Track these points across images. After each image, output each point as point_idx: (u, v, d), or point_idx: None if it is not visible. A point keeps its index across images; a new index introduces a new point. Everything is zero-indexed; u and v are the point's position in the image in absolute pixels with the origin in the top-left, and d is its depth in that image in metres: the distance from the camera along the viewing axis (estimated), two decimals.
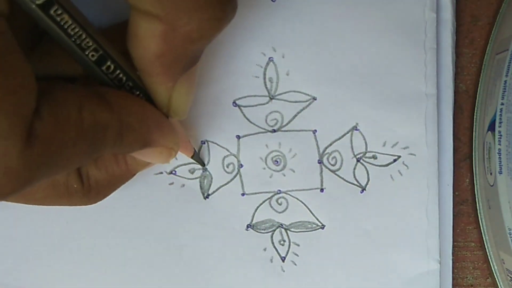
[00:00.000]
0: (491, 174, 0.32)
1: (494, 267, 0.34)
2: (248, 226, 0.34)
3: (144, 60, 0.24)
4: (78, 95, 0.23)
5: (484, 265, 0.35)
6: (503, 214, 0.31)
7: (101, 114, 0.23)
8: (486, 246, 0.34)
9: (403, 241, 0.33)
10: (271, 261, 0.34)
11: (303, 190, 0.34)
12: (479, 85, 0.35)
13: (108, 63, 0.25)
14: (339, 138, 0.34)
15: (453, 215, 0.34)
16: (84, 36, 0.23)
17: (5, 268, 0.34)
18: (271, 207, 0.34)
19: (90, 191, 0.28)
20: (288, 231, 0.34)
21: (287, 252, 0.34)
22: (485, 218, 0.34)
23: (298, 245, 0.34)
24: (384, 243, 0.34)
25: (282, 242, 0.34)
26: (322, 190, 0.34)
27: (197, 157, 0.33)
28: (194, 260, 0.34)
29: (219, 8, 0.23)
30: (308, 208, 0.34)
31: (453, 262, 0.34)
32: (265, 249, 0.34)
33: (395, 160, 0.34)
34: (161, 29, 0.23)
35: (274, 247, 0.34)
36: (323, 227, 0.34)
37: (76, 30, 0.23)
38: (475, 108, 0.35)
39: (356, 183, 0.34)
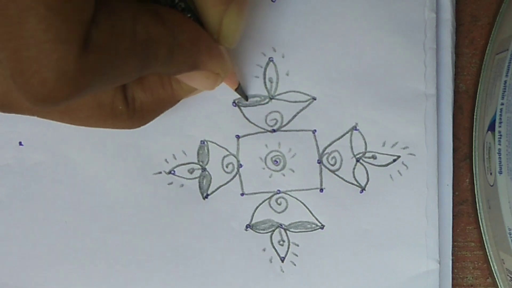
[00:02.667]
0: (491, 174, 0.32)
1: (494, 267, 0.34)
2: (248, 226, 0.34)
3: None
4: (133, 8, 0.22)
5: (484, 265, 0.35)
6: (503, 214, 0.31)
7: (155, 29, 0.23)
8: (486, 246, 0.34)
9: (403, 241, 0.33)
10: (271, 261, 0.34)
11: (303, 190, 0.34)
12: (479, 85, 0.35)
13: None
14: (339, 138, 0.34)
15: (453, 215, 0.34)
16: None
17: (5, 268, 0.34)
18: (271, 207, 0.34)
19: (135, 113, 0.28)
20: (288, 231, 0.34)
21: (287, 252, 0.34)
22: (485, 218, 0.34)
23: (298, 245, 0.34)
24: (384, 243, 0.34)
25: (281, 242, 0.34)
26: (321, 190, 0.34)
27: (241, 90, 0.33)
28: (193, 260, 0.34)
29: None
30: (308, 208, 0.34)
31: (453, 262, 0.34)
32: (264, 249, 0.34)
33: (394, 160, 0.34)
34: None
35: (274, 247, 0.34)
36: (322, 227, 0.34)
37: None
38: (475, 108, 0.35)
39: (355, 183, 0.34)
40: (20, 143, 0.34)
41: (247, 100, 0.33)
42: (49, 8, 0.19)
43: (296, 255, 0.34)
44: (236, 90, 0.32)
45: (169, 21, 0.24)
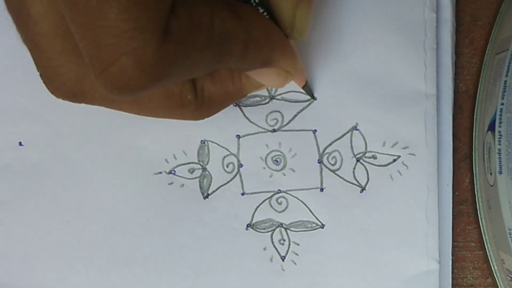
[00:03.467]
0: (491, 174, 0.32)
1: (494, 267, 0.34)
2: (248, 225, 0.34)
3: None
4: (211, 1, 0.22)
5: (484, 265, 0.35)
6: (503, 214, 0.31)
7: (231, 24, 0.23)
8: (486, 246, 0.34)
9: (403, 241, 0.33)
10: (271, 260, 0.34)
11: (303, 189, 0.34)
12: (479, 85, 0.35)
13: None
14: (339, 138, 0.34)
15: (453, 215, 0.34)
16: None
17: (5, 268, 0.34)
18: (271, 206, 0.34)
19: (203, 104, 0.28)
20: (288, 231, 0.34)
21: (287, 252, 0.34)
22: (485, 218, 0.34)
23: (298, 245, 0.34)
24: (384, 243, 0.34)
25: (282, 242, 0.34)
26: (322, 189, 0.34)
27: (308, 88, 0.33)
28: (194, 259, 0.34)
29: None
30: (308, 208, 0.34)
31: (453, 262, 0.34)
32: (265, 249, 0.34)
33: (394, 160, 0.34)
34: None
35: (274, 246, 0.34)
36: (322, 226, 0.34)
37: None
38: (475, 108, 0.35)
39: (355, 183, 0.34)
40: (20, 143, 0.34)
41: (314, 99, 0.33)
42: None
43: (297, 254, 0.34)
44: (303, 87, 0.32)
45: (245, 17, 0.24)
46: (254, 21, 0.25)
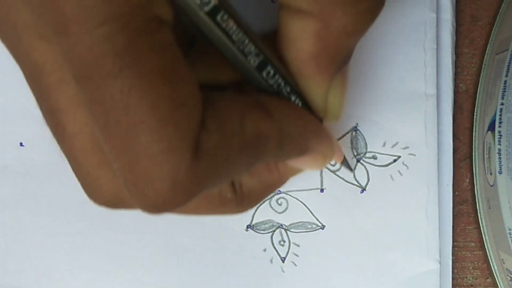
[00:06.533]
0: (491, 174, 0.32)
1: (494, 267, 0.34)
2: (248, 226, 0.34)
3: (299, 62, 0.23)
4: (240, 105, 0.22)
5: (484, 265, 0.35)
6: (503, 214, 0.31)
7: (263, 124, 0.22)
8: (486, 246, 0.34)
9: (403, 241, 0.33)
10: (271, 261, 0.34)
11: (303, 190, 0.34)
12: (479, 85, 0.35)
13: (268, 68, 0.23)
14: (339, 138, 0.34)
15: (453, 215, 0.34)
16: (247, 41, 0.22)
17: (5, 268, 0.34)
18: (271, 207, 0.34)
19: (243, 200, 0.27)
20: (288, 232, 0.34)
21: (287, 253, 0.34)
22: (485, 218, 0.34)
23: (298, 246, 0.34)
24: (384, 243, 0.34)
25: (282, 243, 0.34)
26: (322, 190, 0.34)
27: (347, 163, 0.33)
28: (194, 260, 0.34)
29: None
30: (308, 209, 0.34)
31: (453, 262, 0.34)
32: (265, 250, 0.34)
33: (395, 160, 0.34)
34: (315, 27, 0.22)
35: (274, 247, 0.34)
36: (323, 227, 0.34)
37: (240, 35, 0.22)
38: (475, 108, 0.35)
39: (356, 183, 0.34)
40: (21, 144, 0.34)
41: (351, 171, 0.33)
42: (161, 119, 0.19)
43: (297, 255, 0.34)
44: (342, 163, 0.32)
45: (277, 114, 0.23)
46: (287, 115, 0.24)
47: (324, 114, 0.26)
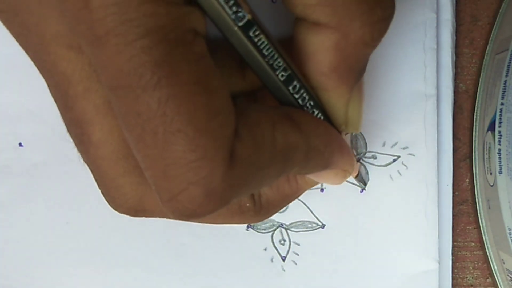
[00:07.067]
0: (491, 174, 0.32)
1: (494, 267, 0.34)
2: (248, 226, 0.34)
3: (319, 75, 0.24)
4: (271, 116, 0.22)
5: (484, 265, 0.35)
6: (503, 214, 0.31)
7: (292, 136, 0.23)
8: (486, 246, 0.34)
9: (403, 240, 0.33)
10: (272, 260, 0.34)
11: None
12: (479, 85, 0.35)
13: (295, 82, 0.24)
14: None
15: (453, 215, 0.34)
16: (276, 56, 0.23)
17: (5, 269, 0.34)
18: None
19: (261, 209, 0.28)
20: (288, 231, 0.34)
21: (288, 252, 0.34)
22: (485, 218, 0.34)
23: (299, 245, 0.34)
24: (384, 243, 0.34)
25: (282, 242, 0.34)
26: (322, 189, 0.34)
27: (361, 178, 0.33)
28: (194, 260, 0.34)
29: (385, 7, 0.23)
30: (308, 208, 0.34)
31: (453, 262, 0.34)
32: (265, 249, 0.34)
33: (394, 160, 0.34)
34: (334, 39, 0.22)
35: (275, 246, 0.34)
36: (323, 226, 0.34)
37: (270, 50, 0.22)
38: (475, 108, 0.35)
39: (356, 183, 0.34)
40: (20, 144, 0.34)
41: (364, 185, 0.33)
42: (197, 128, 0.19)
43: (297, 255, 0.34)
44: (356, 177, 0.32)
45: (304, 126, 0.24)
46: (314, 128, 0.24)
47: (345, 126, 0.26)
